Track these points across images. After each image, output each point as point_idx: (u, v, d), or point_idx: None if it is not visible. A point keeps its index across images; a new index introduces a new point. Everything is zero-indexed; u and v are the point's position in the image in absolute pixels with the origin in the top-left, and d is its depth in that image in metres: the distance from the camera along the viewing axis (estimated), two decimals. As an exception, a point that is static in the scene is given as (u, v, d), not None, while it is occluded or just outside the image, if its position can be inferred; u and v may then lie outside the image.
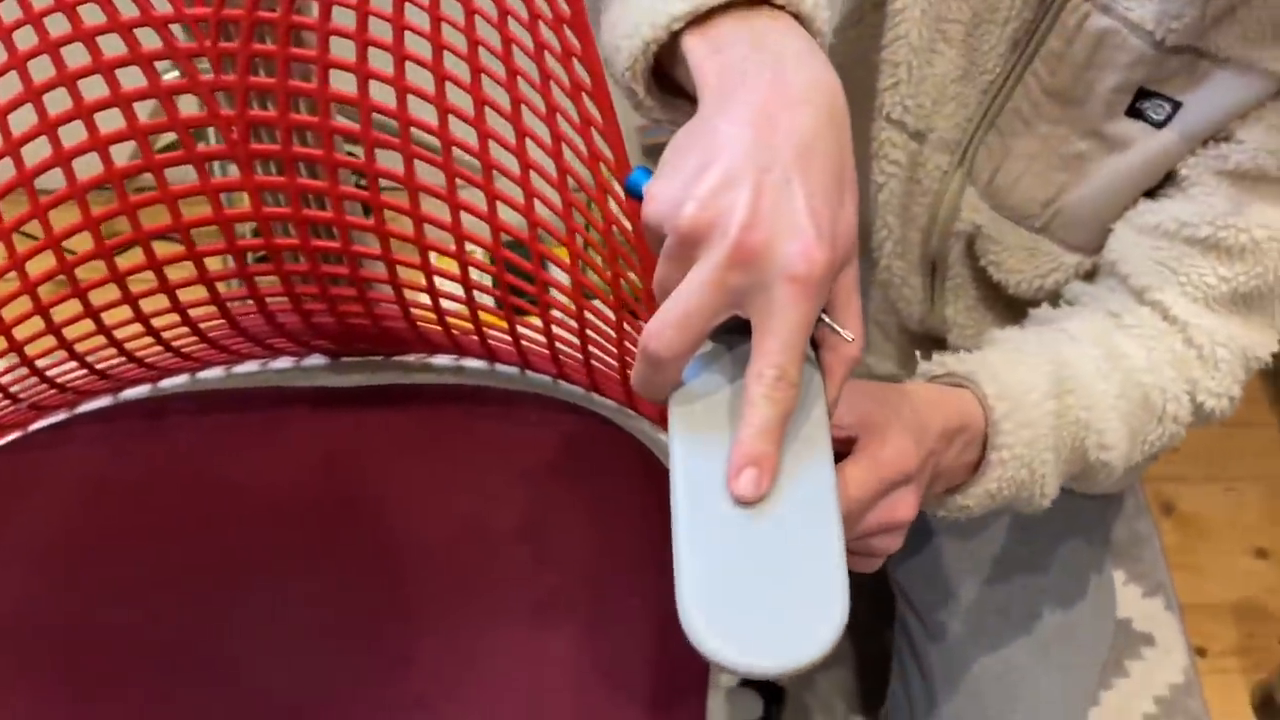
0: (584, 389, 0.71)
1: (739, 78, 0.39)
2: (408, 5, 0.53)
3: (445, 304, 0.67)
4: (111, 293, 0.64)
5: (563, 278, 0.62)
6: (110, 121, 0.58)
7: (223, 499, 0.65)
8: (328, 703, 0.55)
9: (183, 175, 0.61)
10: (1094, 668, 0.80)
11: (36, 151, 0.58)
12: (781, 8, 0.42)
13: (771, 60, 0.39)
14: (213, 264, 0.66)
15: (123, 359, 0.69)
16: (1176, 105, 0.56)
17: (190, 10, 0.54)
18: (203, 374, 0.73)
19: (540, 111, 0.53)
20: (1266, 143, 0.54)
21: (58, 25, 0.55)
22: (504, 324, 0.68)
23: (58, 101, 0.56)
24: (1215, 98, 0.55)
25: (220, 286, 0.67)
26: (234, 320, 0.69)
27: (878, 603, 0.88)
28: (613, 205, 0.53)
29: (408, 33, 0.54)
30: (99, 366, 0.68)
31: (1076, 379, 0.57)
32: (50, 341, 0.65)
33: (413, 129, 0.57)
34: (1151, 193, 0.61)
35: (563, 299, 0.64)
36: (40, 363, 0.66)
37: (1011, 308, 0.69)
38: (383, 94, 0.57)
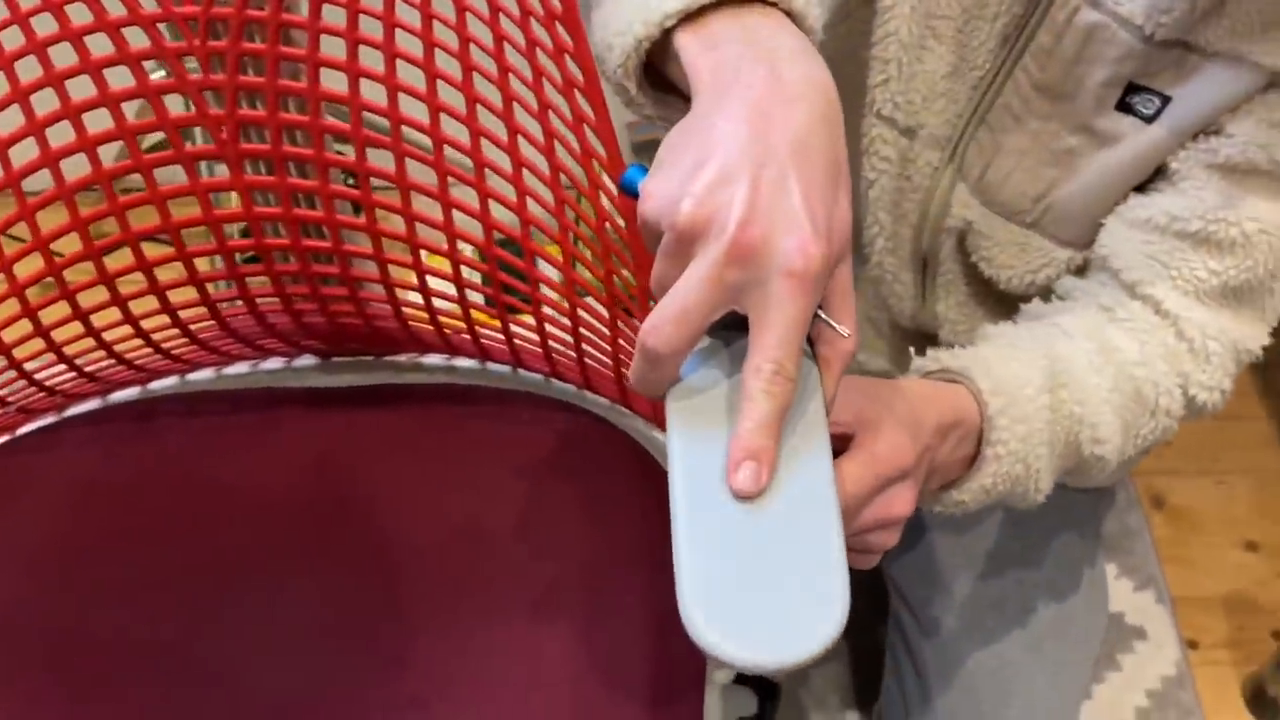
0: (577, 387, 0.71)
1: (733, 75, 0.39)
2: (398, 3, 0.52)
3: (437, 303, 0.67)
4: (100, 294, 0.64)
5: (556, 275, 0.62)
6: (98, 122, 0.58)
7: (214, 500, 0.64)
8: (322, 703, 0.55)
9: (172, 176, 0.60)
10: (1087, 662, 0.80)
11: (24, 152, 0.57)
12: (773, 5, 0.42)
13: (765, 57, 0.39)
14: (202, 265, 0.65)
15: (112, 361, 0.68)
16: (1166, 99, 0.57)
17: (179, 9, 0.54)
18: (192, 375, 0.73)
19: (532, 108, 0.53)
20: (1256, 136, 0.55)
21: (45, 25, 0.54)
22: (496, 323, 0.68)
23: (45, 102, 0.56)
24: (1204, 92, 0.55)
25: (210, 287, 0.67)
26: (224, 321, 0.69)
27: (872, 598, 0.88)
28: (605, 202, 0.53)
29: (398, 30, 0.54)
30: (88, 369, 0.68)
31: (1070, 373, 0.57)
32: (39, 344, 0.64)
33: (404, 127, 0.57)
34: (1142, 187, 0.61)
35: (555, 297, 0.63)
36: (29, 366, 0.65)
37: (1003, 303, 0.70)
38: (373, 92, 0.56)
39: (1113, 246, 0.61)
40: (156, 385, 0.72)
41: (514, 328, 0.67)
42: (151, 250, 0.64)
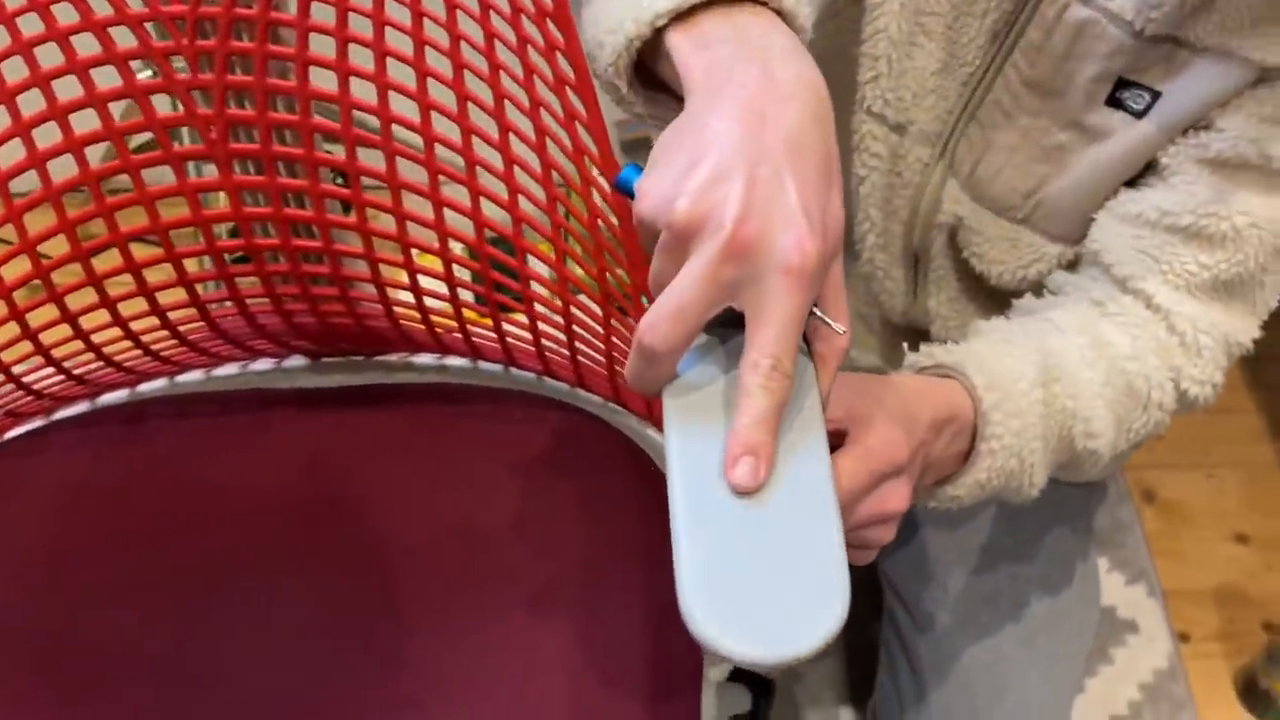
0: (569, 385, 0.71)
1: (725, 74, 0.39)
2: (388, 1, 0.52)
3: (429, 302, 0.67)
4: (89, 296, 0.64)
5: (548, 273, 0.62)
6: (85, 122, 0.57)
7: (204, 502, 0.64)
8: (316, 705, 0.55)
9: (160, 176, 0.60)
10: (1080, 656, 0.80)
11: (10, 153, 0.57)
12: (763, 4, 0.42)
13: (757, 56, 0.39)
14: (191, 266, 0.65)
15: (101, 364, 0.68)
16: (1156, 95, 0.57)
17: (166, 8, 0.53)
18: (182, 377, 0.72)
19: (523, 106, 0.53)
20: (1246, 131, 0.55)
21: (31, 25, 0.54)
22: (488, 321, 0.67)
23: (31, 102, 0.56)
24: (1194, 87, 0.56)
25: (199, 288, 0.67)
26: (214, 322, 0.68)
27: (866, 594, 0.88)
28: (598, 199, 0.53)
29: (388, 28, 0.53)
30: (76, 372, 0.67)
31: (1062, 368, 0.57)
32: (26, 347, 0.64)
33: (394, 125, 0.57)
34: (1133, 182, 0.61)
35: (548, 294, 0.63)
36: (16, 369, 0.65)
37: (994, 299, 0.70)
38: (363, 91, 0.56)
39: (1104, 241, 0.61)
40: (145, 387, 0.71)
41: (506, 326, 0.67)
42: (140, 251, 0.63)
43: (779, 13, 0.42)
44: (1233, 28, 0.53)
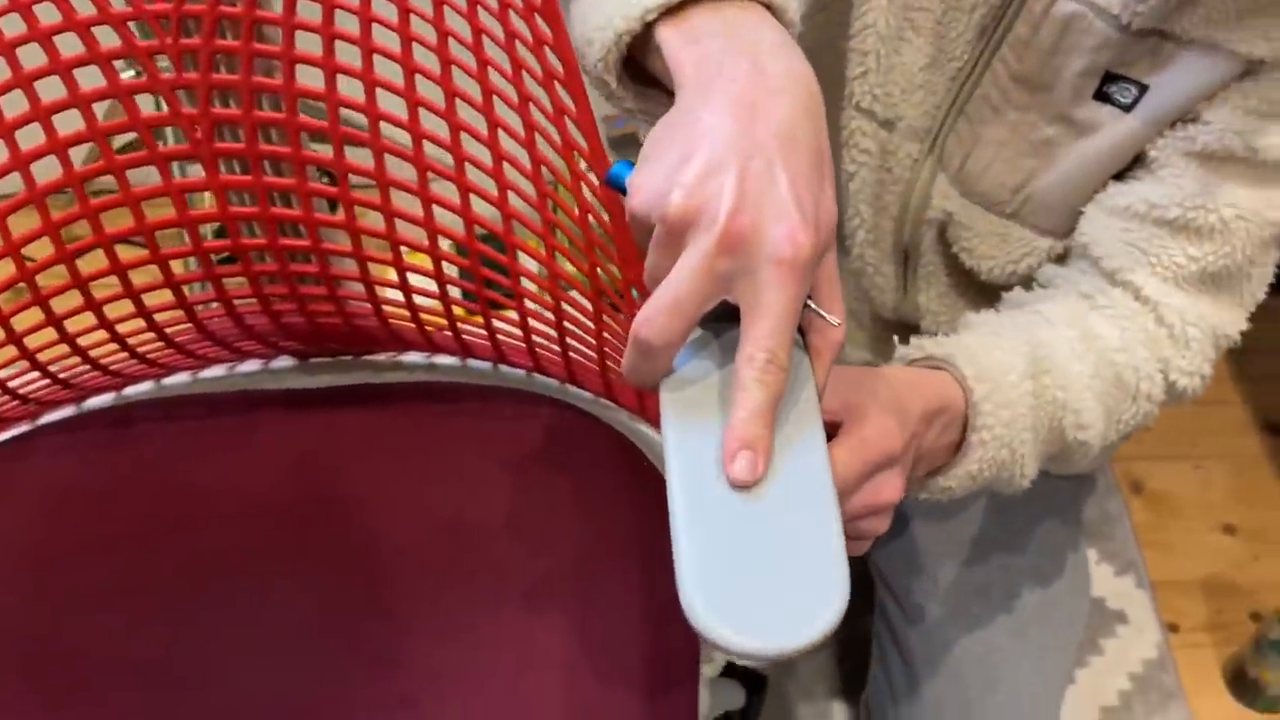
0: (560, 382, 0.70)
1: (716, 68, 0.39)
2: (374, -3, 0.52)
3: (418, 300, 0.67)
4: (74, 299, 0.63)
5: (538, 270, 0.61)
6: (69, 123, 0.57)
7: (193, 505, 0.63)
8: (309, 706, 0.55)
9: (145, 177, 0.59)
10: (1071, 647, 0.81)
11: (-8, 155, 0.56)
12: None
13: (747, 50, 0.39)
14: (177, 267, 0.64)
15: (87, 367, 0.67)
16: (1143, 88, 0.57)
17: (150, 6, 0.53)
18: (168, 380, 0.72)
19: (512, 101, 0.52)
20: (1233, 123, 0.55)
21: (12, 25, 0.53)
22: (478, 319, 0.67)
23: (14, 103, 0.55)
24: (1181, 80, 0.56)
25: (186, 290, 0.66)
26: (201, 323, 0.68)
27: (857, 588, 0.88)
28: (588, 194, 0.53)
29: (375, 25, 0.53)
30: (62, 376, 0.67)
31: (1052, 359, 0.57)
32: (11, 352, 0.63)
33: (382, 123, 0.57)
34: (1121, 175, 0.61)
35: (538, 290, 0.63)
36: (1, 374, 0.64)
37: (984, 293, 0.70)
38: (350, 88, 0.56)
39: (1092, 234, 0.61)
40: (131, 391, 0.71)
41: (496, 323, 0.67)
42: (125, 253, 0.63)
43: (768, 7, 0.42)
44: (1218, 20, 0.53)
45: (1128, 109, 0.58)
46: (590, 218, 0.54)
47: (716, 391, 0.39)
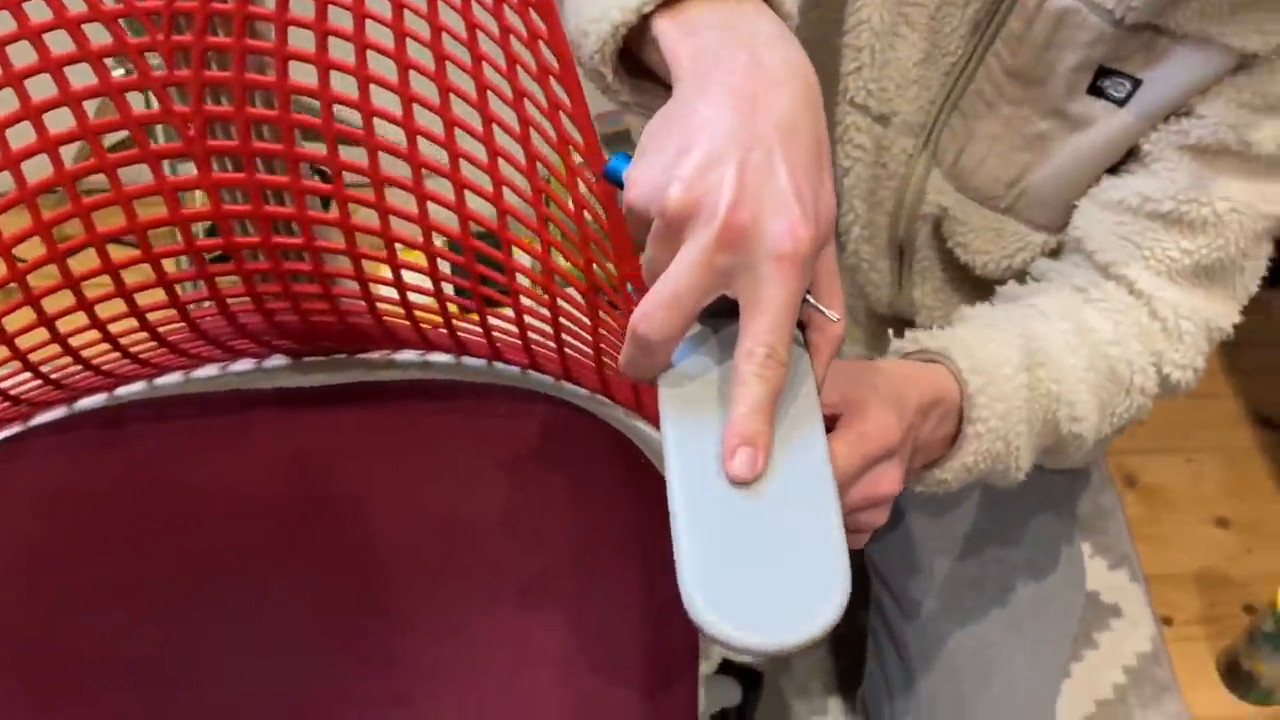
0: (555, 378, 0.70)
1: (713, 60, 0.39)
2: (367, -7, 0.52)
3: (412, 297, 0.66)
4: (66, 299, 0.62)
5: (534, 266, 0.61)
6: (59, 121, 0.56)
7: (186, 505, 0.63)
8: (304, 705, 0.54)
9: (136, 175, 0.59)
10: (1066, 640, 0.81)
11: (-18, 154, 0.56)
12: None
13: (745, 42, 0.39)
14: (170, 266, 0.64)
15: (78, 367, 0.67)
16: (1137, 83, 0.57)
17: (141, 3, 0.52)
18: (160, 380, 0.71)
19: (507, 97, 0.52)
20: (1226, 117, 0.55)
21: (3, 23, 0.53)
22: (472, 316, 0.67)
23: (4, 102, 0.55)
24: (1175, 74, 0.56)
25: (178, 289, 0.66)
26: (194, 323, 0.67)
27: (854, 583, 0.88)
28: (583, 190, 0.53)
29: (368, 20, 0.53)
30: (53, 376, 0.66)
31: (1046, 352, 0.57)
32: (2, 352, 0.62)
33: (376, 119, 0.56)
34: (1114, 169, 0.62)
35: (533, 286, 0.63)
36: (-8, 374, 0.64)
37: (979, 288, 0.70)
38: (344, 85, 0.55)
39: (1086, 228, 0.62)
40: (123, 391, 0.70)
41: (491, 320, 0.67)
42: (117, 252, 0.62)
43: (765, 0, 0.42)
44: (1212, 14, 0.53)
45: (1121, 103, 0.58)
46: (585, 213, 0.53)
47: (716, 387, 0.38)
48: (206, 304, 0.67)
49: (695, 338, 0.40)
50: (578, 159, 0.50)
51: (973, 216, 0.66)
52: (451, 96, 0.54)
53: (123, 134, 0.58)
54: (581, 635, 0.56)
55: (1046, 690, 0.77)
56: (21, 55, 0.54)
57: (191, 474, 0.65)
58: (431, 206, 0.60)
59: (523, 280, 0.62)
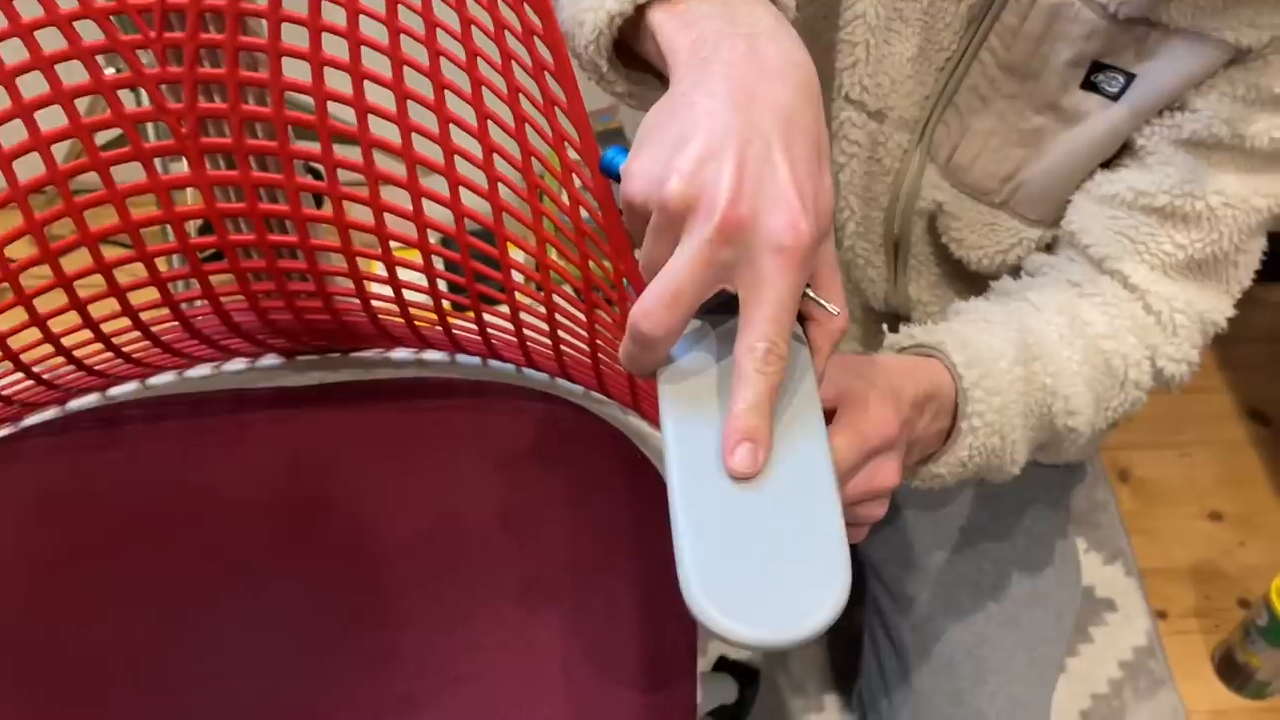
0: (550, 375, 0.70)
1: (711, 51, 0.38)
2: (362, -11, 0.51)
3: (408, 295, 0.66)
4: (58, 299, 0.62)
5: (529, 262, 0.61)
6: (51, 120, 0.56)
7: (184, 505, 0.63)
8: (304, 706, 0.54)
9: (129, 174, 0.59)
10: (1062, 636, 0.81)
11: (-26, 152, 0.56)
12: None
13: (744, 34, 0.39)
14: (163, 265, 0.64)
15: (72, 368, 0.66)
16: (1131, 77, 0.57)
17: (133, 0, 0.52)
18: (154, 380, 0.71)
19: (502, 93, 0.52)
20: (1220, 111, 0.55)
21: (-8, 20, 0.52)
22: (468, 314, 0.67)
23: (-5, 100, 0.54)
24: (1169, 68, 0.56)
25: (171, 288, 0.65)
26: (187, 321, 0.67)
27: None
28: (579, 186, 0.53)
29: (362, 16, 0.52)
30: (46, 376, 0.66)
31: (1041, 346, 0.57)
32: (-5, 351, 0.62)
33: (370, 116, 0.56)
34: (1109, 164, 0.62)
35: (526, 281, 0.63)
36: (-16, 374, 0.63)
37: (974, 283, 0.70)
38: (338, 81, 0.55)
39: (1081, 223, 0.62)
40: (117, 391, 0.70)
41: (486, 317, 0.67)
42: (110, 251, 0.62)
43: None
44: (1205, 9, 0.53)
45: (1115, 98, 0.58)
46: (581, 210, 0.53)
47: (715, 381, 0.38)
48: (200, 303, 0.67)
49: (694, 332, 0.40)
50: (573, 155, 0.50)
51: (967, 212, 0.66)
52: (446, 93, 0.54)
53: (115, 132, 0.58)
54: (580, 632, 0.56)
55: (1042, 685, 0.77)
56: (13, 52, 0.53)
57: (189, 475, 0.64)
58: (426, 204, 0.60)
59: (518, 277, 0.62)
